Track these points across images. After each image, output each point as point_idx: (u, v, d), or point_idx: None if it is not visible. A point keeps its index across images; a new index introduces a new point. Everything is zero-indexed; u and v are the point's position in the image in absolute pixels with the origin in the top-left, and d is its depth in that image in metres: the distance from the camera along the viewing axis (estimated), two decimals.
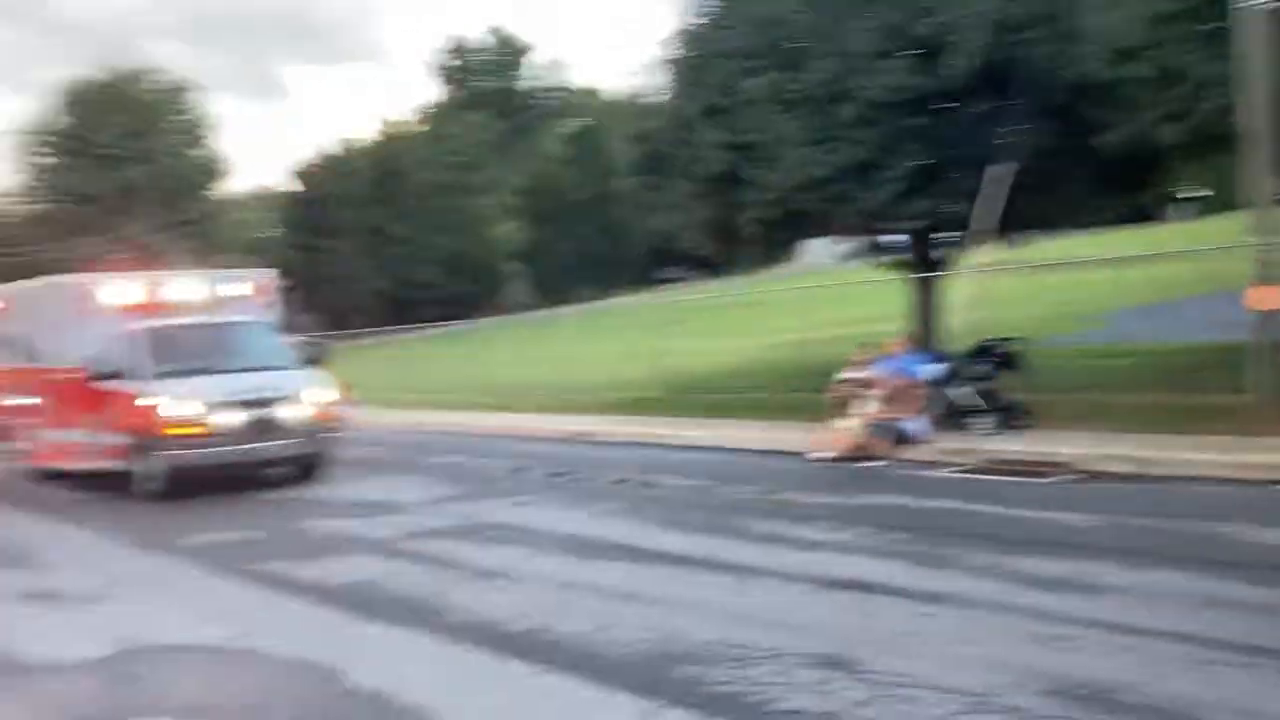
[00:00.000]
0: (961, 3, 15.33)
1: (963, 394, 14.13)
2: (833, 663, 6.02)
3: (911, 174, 15.88)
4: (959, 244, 19.24)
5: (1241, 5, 11.66)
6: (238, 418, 13.17)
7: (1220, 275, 13.76)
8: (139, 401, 13.34)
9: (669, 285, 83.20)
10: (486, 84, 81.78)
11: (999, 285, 19.93)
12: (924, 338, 17.58)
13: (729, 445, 15.36)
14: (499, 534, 10.29)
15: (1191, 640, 6.08)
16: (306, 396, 13.77)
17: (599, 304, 65.02)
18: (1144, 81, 13.13)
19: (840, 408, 14.27)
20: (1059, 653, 6.01)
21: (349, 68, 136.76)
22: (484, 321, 55.10)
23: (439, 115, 78.92)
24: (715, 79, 17.83)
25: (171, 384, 13.24)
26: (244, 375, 13.69)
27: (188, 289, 15.45)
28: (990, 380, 14.33)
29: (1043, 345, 19.81)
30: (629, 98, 29.87)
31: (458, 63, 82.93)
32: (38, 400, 15.79)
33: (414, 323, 50.06)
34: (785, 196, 17.04)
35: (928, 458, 13.12)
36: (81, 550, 11.01)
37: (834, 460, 13.44)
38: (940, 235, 19.29)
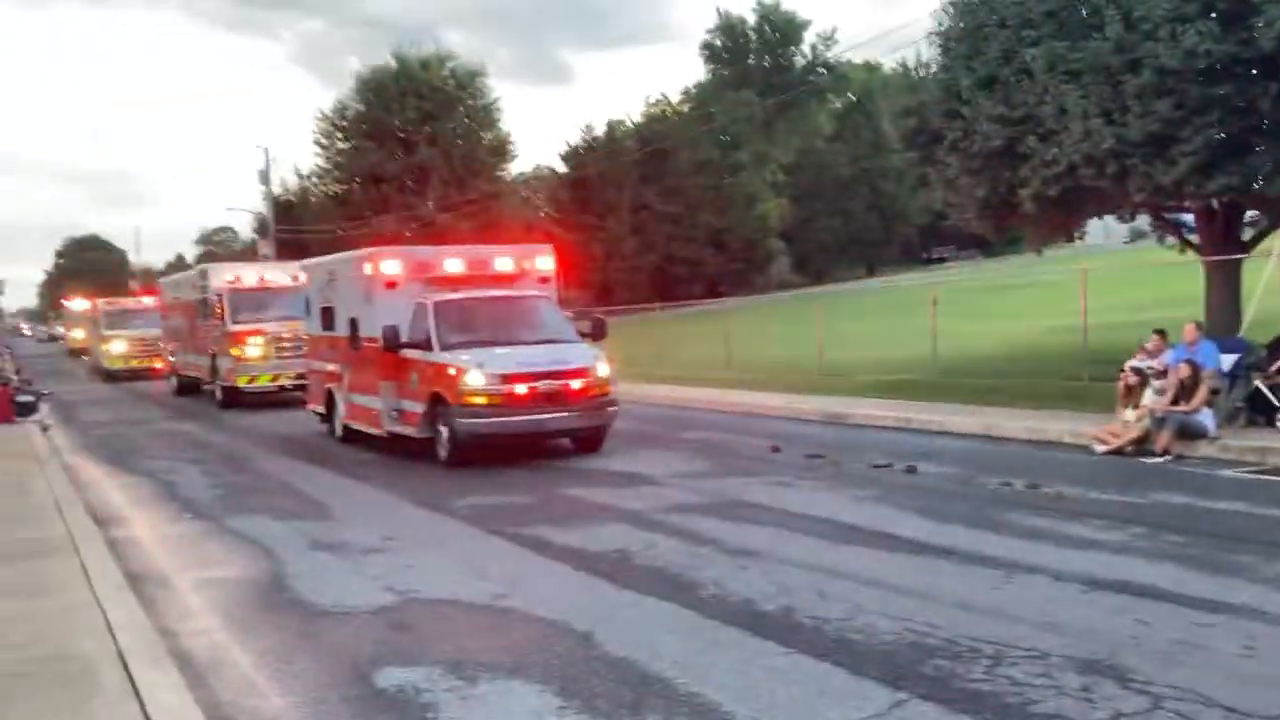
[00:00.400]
0: None
1: (1261, 387, 12.92)
2: (1100, 669, 5.70)
3: (1212, 147, 14.65)
4: (1265, 223, 17.62)
5: None
6: (530, 388, 13.70)
7: None
8: (438, 370, 14.12)
9: (939, 265, 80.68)
10: (756, 62, 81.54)
11: None
12: (1220, 326, 16.20)
13: (998, 433, 14.74)
14: (753, 513, 10.34)
15: None
16: (590, 370, 14.24)
17: (864, 283, 63.89)
18: None
19: (1124, 397, 13.40)
20: None
21: (630, 51, 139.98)
22: (747, 298, 55.35)
23: (705, 94, 79.52)
24: (991, 49, 17.08)
25: (468, 354, 13.93)
26: (534, 348, 14.28)
27: (479, 263, 16.17)
28: None
29: None
30: (900, 71, 29.08)
31: (727, 42, 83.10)
32: (340, 366, 17.08)
33: (678, 299, 51.02)
34: (1068, 172, 16.13)
35: (1218, 455, 12.11)
36: (367, 505, 11.93)
37: (1113, 453, 12.66)
38: (1244, 214, 17.75)
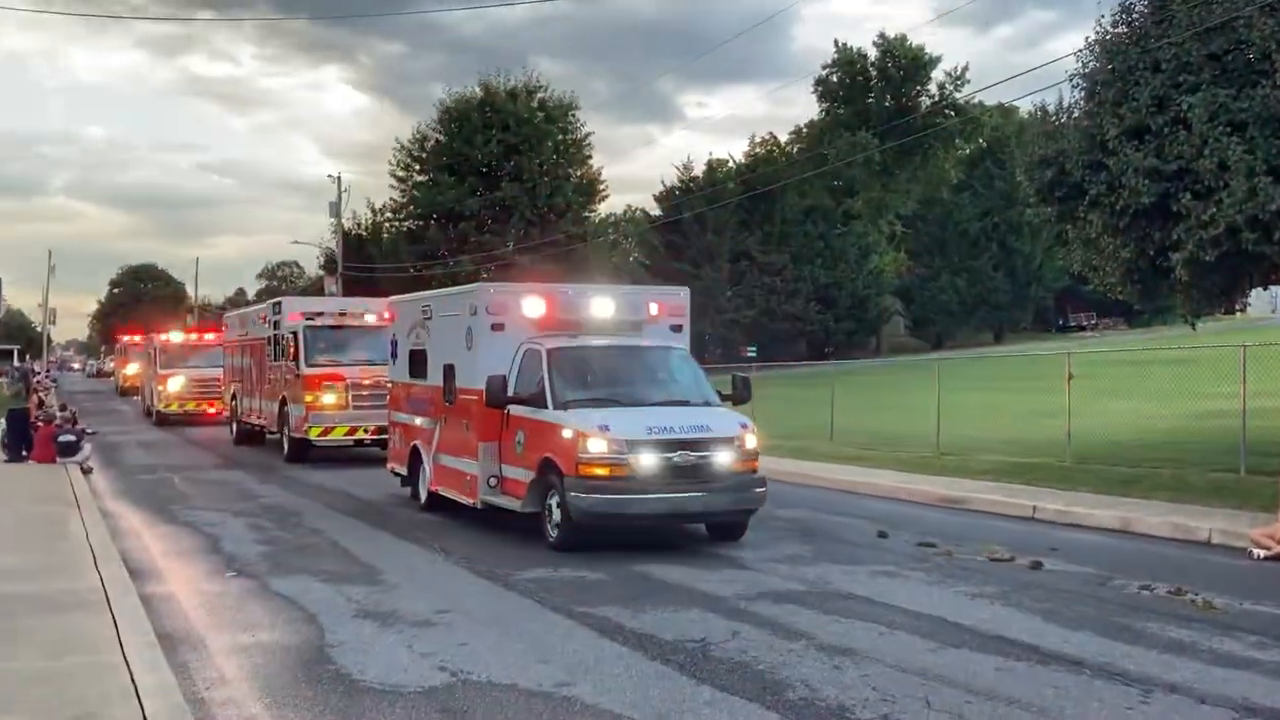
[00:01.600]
0: None
1: None
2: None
3: None
4: None
5: None
6: (664, 460, 12.49)
7: None
8: (551, 431, 12.95)
9: (1076, 334, 79.21)
10: (876, 101, 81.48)
11: None
12: None
13: (1138, 529, 14.29)
14: (852, 606, 10.14)
15: None
16: (738, 441, 13.01)
17: (990, 350, 63.00)
18: None
19: None
20: None
21: (737, 87, 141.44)
22: (856, 361, 54.90)
23: (818, 134, 79.63)
24: (1143, 95, 16.83)
25: (586, 414, 12.78)
26: (668, 410, 13.25)
27: (599, 306, 14.98)
28: None
29: None
30: (1038, 116, 28.78)
31: (844, 78, 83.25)
32: (429, 420, 16.18)
33: (779, 359, 50.80)
34: (1229, 234, 15.74)
35: None
36: (422, 572, 11.98)
37: (1273, 559, 12.17)
38: None
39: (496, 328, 14.50)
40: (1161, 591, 10.66)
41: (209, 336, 40.50)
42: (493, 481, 14.23)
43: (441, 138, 64.33)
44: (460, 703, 7.26)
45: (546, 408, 13.15)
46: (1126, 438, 22.16)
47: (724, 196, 67.36)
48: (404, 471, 17.47)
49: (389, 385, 19.05)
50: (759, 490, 13.26)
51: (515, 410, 13.68)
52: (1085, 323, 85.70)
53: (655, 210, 74.78)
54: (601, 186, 68.04)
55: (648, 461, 12.44)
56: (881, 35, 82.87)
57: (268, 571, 11.94)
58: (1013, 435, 23.00)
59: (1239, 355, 18.45)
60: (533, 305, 14.67)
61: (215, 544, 13.86)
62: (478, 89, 65.22)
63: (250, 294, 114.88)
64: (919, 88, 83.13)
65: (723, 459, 12.81)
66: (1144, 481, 16.94)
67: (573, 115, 66.36)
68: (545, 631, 9.25)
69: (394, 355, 18.33)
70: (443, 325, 16.00)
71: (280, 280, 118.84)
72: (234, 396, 31.13)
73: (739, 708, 7.16)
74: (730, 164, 74.88)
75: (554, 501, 12.84)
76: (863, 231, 74.04)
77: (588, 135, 67.27)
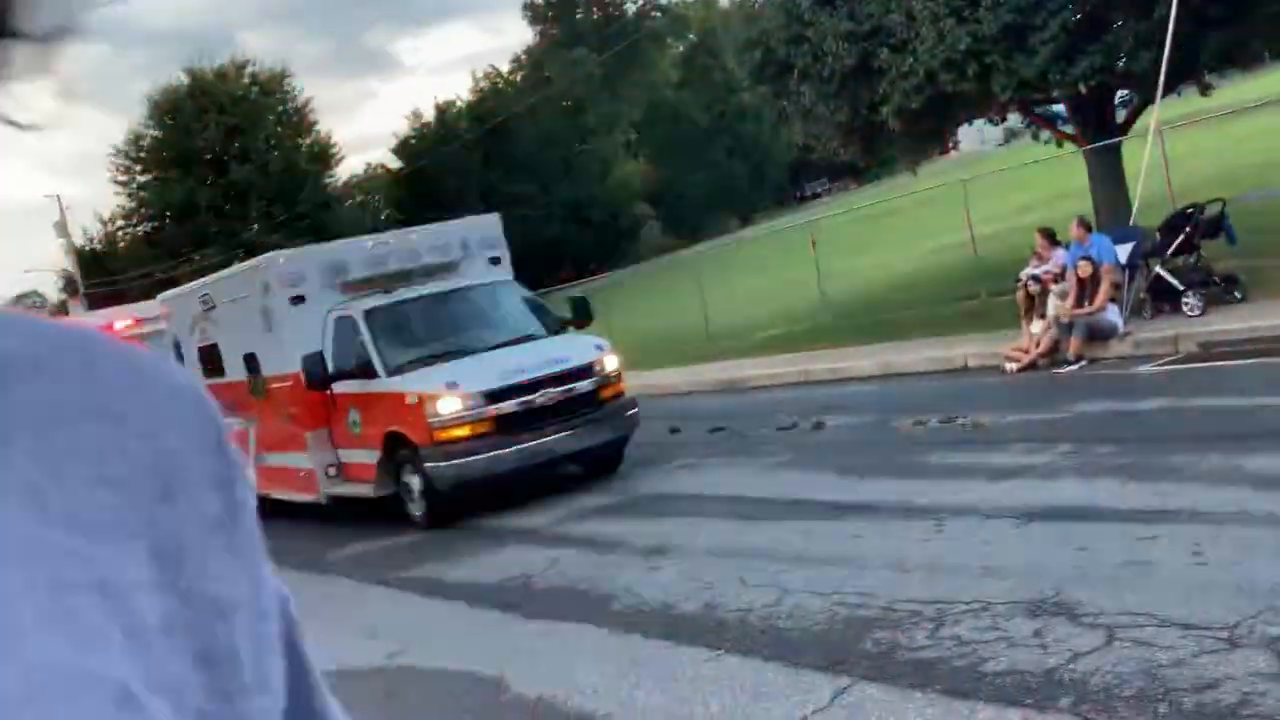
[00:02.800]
0: None
1: (1161, 273, 13.31)
2: (1049, 608, 5.69)
3: (1070, 30, 14.98)
4: (1136, 101, 18.17)
5: None
6: (524, 404, 11.11)
7: None
8: (391, 403, 11.42)
9: (813, 202, 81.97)
10: (585, 16, 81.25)
11: (1192, 141, 18.76)
12: (1110, 216, 16.66)
13: (902, 370, 14.90)
14: (658, 505, 10.21)
15: None
16: (599, 365, 11.78)
17: (739, 235, 64.51)
18: None
19: (1027, 309, 13.64)
20: None
21: (447, 27, 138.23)
22: (620, 271, 55.35)
23: (537, 58, 79.04)
24: None
25: (427, 374, 11.32)
26: (514, 350, 11.78)
27: (404, 253, 13.23)
28: (1192, 252, 13.46)
29: (1249, 202, 18.60)
30: (739, 2, 29.18)
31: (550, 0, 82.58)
32: (240, 421, 13.95)
33: (546, 285, 50.57)
34: (928, 80, 16.36)
35: (1132, 352, 12.42)
36: None
37: (1025, 369, 12.89)
38: (1114, 95, 18.27)
39: (296, 300, 12.55)
40: (934, 423, 11.13)
41: None
42: (331, 471, 12.60)
43: (157, 134, 60.77)
44: None
45: (377, 376, 11.57)
46: (876, 288, 23.05)
47: (460, 137, 66.23)
48: None
49: None
50: (631, 413, 12.02)
51: (342, 388, 11.95)
52: (820, 190, 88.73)
53: (396, 163, 72.96)
54: (334, 150, 65.83)
55: (509, 410, 11.00)
56: None
57: None
58: (775, 310, 23.61)
59: (960, 191, 19.36)
60: (331, 266, 12.80)
61: None
62: (184, 77, 61.74)
63: None
64: None
65: (587, 388, 11.55)
66: (898, 324, 17.66)
67: (288, 84, 63.71)
68: (368, 606, 8.97)
69: (180, 358, 15.53)
70: (231, 312, 14.00)
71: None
72: None
73: (570, 632, 7.08)
74: (459, 104, 73.57)
75: (413, 479, 11.39)
76: (601, 146, 74.19)
77: (308, 101, 64.81)
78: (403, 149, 71.90)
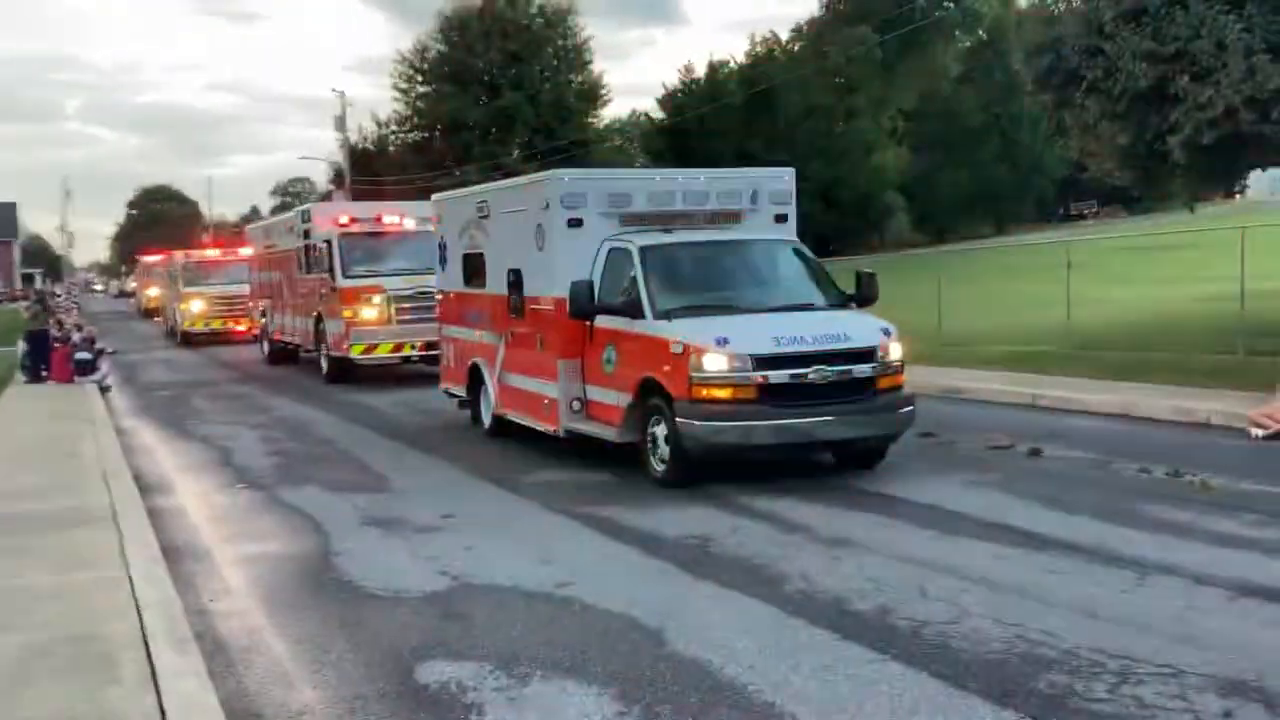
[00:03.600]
0: None
1: None
2: (1245, 691, 5.31)
3: None
4: None
5: None
6: (796, 377, 10.17)
7: None
8: (653, 347, 10.65)
9: (1077, 222, 78.40)
10: None
11: None
12: None
13: (1139, 413, 14.09)
14: (850, 498, 10.02)
15: None
16: (883, 350, 10.65)
17: (992, 241, 62.46)
18: None
19: None
20: None
21: None
22: (860, 258, 54.55)
23: (818, 31, 78.08)
24: None
25: (697, 324, 10.51)
26: (792, 316, 10.90)
27: (692, 194, 12.51)
28: None
29: None
30: (1037, 4, 28.02)
31: None
32: (492, 335, 13.81)
33: None
34: (1227, 116, 15.31)
35: None
36: (430, 479, 11.89)
37: (1272, 438, 12.01)
38: None
39: (574, 224, 11.92)
40: (1160, 474, 10.52)
41: (243, 251, 36.14)
42: (576, 405, 11.92)
43: (442, 48, 63.30)
44: (461, 605, 7.18)
45: (644, 318, 10.84)
46: (1127, 323, 21.89)
47: (726, 98, 66.26)
48: (461, 393, 15.11)
49: (438, 296, 16.35)
50: (906, 411, 10.84)
51: (603, 322, 11.35)
52: (1086, 211, 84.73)
53: (659, 114, 73.73)
54: (604, 91, 67.13)
55: (777, 380, 10.12)
56: None
57: (277, 483, 11.87)
58: (1014, 325, 22.75)
59: (1238, 237, 18.09)
60: (615, 195, 12.17)
61: (228, 456, 13.80)
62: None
63: (264, 210, 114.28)
64: None
65: (865, 373, 10.45)
66: (1144, 366, 16.71)
67: (572, 20, 65.21)
68: (549, 534, 9.17)
69: (443, 261, 15.64)
70: (505, 224, 13.38)
71: (292, 196, 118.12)
72: (264, 314, 28.72)
73: (738, 602, 7.07)
74: (732, 65, 73.55)
75: (660, 430, 10.61)
76: (865, 128, 72.87)
77: (588, 40, 66.20)
78: (668, 101, 72.50)
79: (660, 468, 10.69)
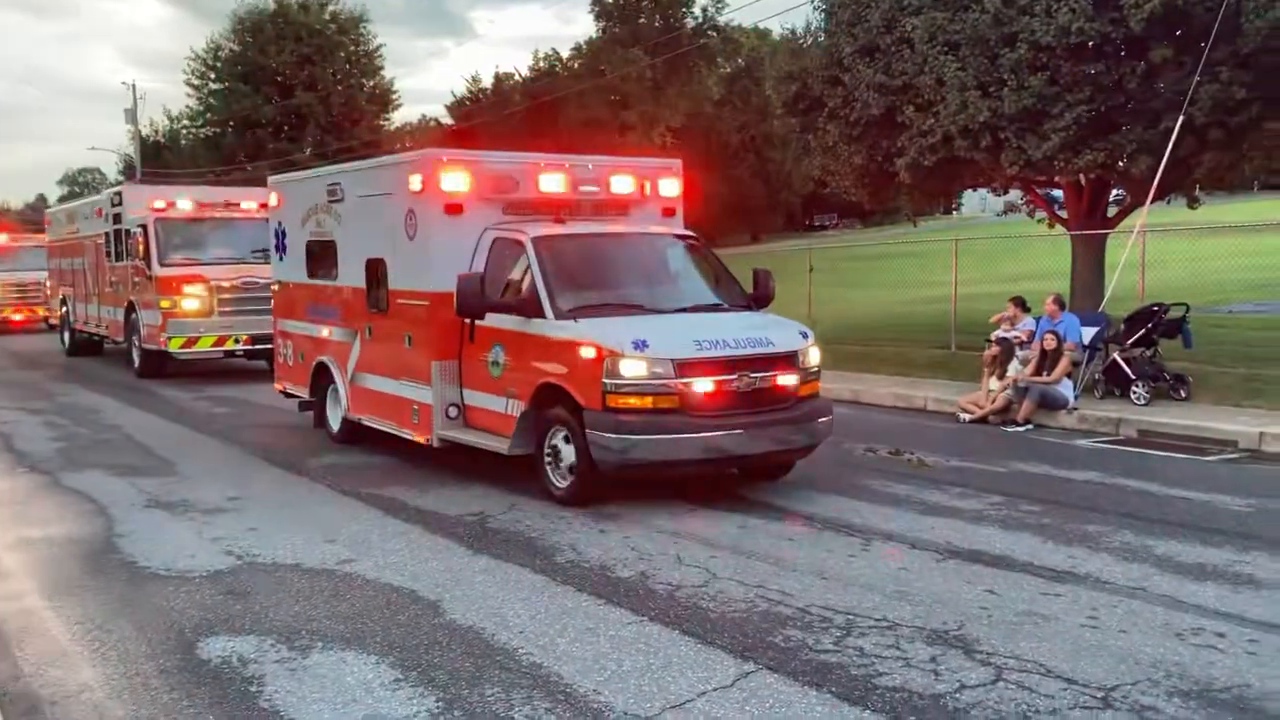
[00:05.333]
0: None
1: (1118, 360, 13.30)
2: (948, 639, 5.68)
3: (1081, 124, 14.93)
4: (1128, 201, 18.14)
5: None
6: (720, 385, 8.66)
7: None
8: (558, 350, 8.94)
9: (819, 233, 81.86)
10: (648, 21, 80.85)
11: (1172, 247, 18.72)
12: (1084, 299, 16.64)
13: (866, 399, 14.89)
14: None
15: None
16: (801, 356, 9.25)
17: (748, 248, 64.37)
18: None
19: (989, 367, 13.65)
20: (1197, 649, 5.52)
21: (524, 5, 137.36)
22: None
23: (595, 51, 78.71)
24: (873, 17, 17.11)
25: (608, 326, 8.84)
26: (707, 318, 9.48)
27: (588, 180, 10.77)
28: (1149, 347, 13.46)
29: (1212, 314, 18.61)
30: (789, 37, 29.06)
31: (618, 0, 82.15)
32: (345, 331, 11.81)
33: None
34: (944, 142, 16.30)
35: (1076, 426, 12.42)
36: (217, 463, 11.34)
37: (977, 422, 12.89)
38: (1110, 191, 18.23)
39: (452, 209, 10.10)
40: (883, 453, 11.13)
41: (42, 237, 30.75)
42: (452, 412, 10.15)
43: (235, 48, 60.46)
44: (244, 584, 6.89)
45: (544, 317, 9.11)
46: (859, 321, 23.01)
47: (511, 107, 65.95)
48: (303, 394, 12.86)
49: (274, 287, 13.95)
50: (826, 420, 9.42)
51: (491, 320, 9.58)
52: (827, 223, 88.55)
53: (448, 120, 72.64)
54: (394, 96, 65.66)
55: (701, 388, 8.59)
56: None
57: (60, 467, 11.08)
58: None
59: (952, 248, 19.32)
60: (499, 179, 10.33)
61: (8, 442, 12.78)
62: (271, 1, 61.42)
63: (51, 200, 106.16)
64: (685, 10, 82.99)
65: (788, 381, 9.06)
66: (873, 358, 17.62)
67: (364, 28, 63.46)
68: (333, 513, 8.90)
69: (280, 249, 13.43)
70: (364, 209, 11.36)
71: (82, 186, 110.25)
72: (64, 302, 25.28)
73: (512, 573, 7.06)
74: (517, 77, 73.31)
75: (562, 442, 9.00)
76: (638, 143, 73.88)
77: (379, 47, 64.62)
78: (457, 108, 71.63)
79: (562, 484, 9.01)
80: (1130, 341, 13.41)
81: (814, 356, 9.43)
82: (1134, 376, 13.04)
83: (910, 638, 5.72)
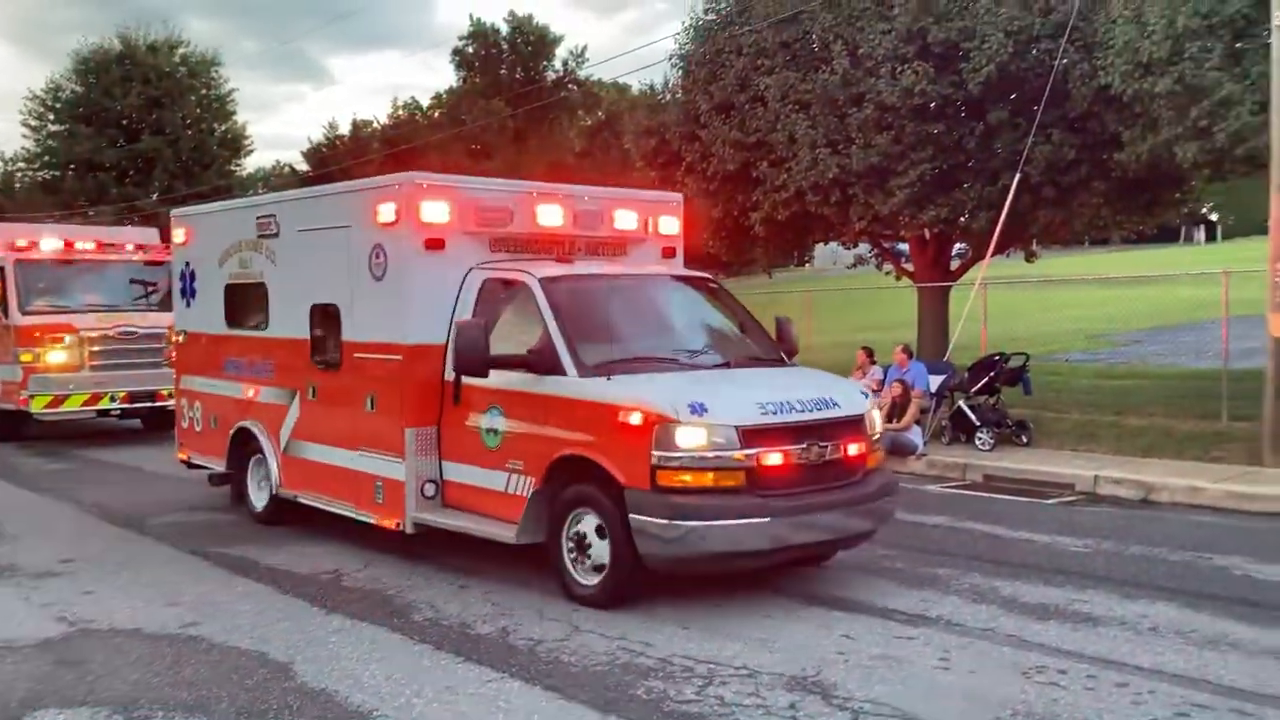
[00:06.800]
0: (981, 10, 15.04)
1: (963, 407, 13.83)
2: (806, 685, 5.75)
3: (925, 181, 15.60)
4: (970, 255, 18.97)
5: (1274, 23, 11.33)
6: (793, 458, 7.19)
7: (1249, 299, 13.43)
8: (585, 415, 7.35)
9: None
10: (509, 74, 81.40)
11: (1012, 299, 19.66)
12: (929, 349, 17.28)
13: None
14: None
15: (1181, 681, 5.79)
16: (867, 421, 7.80)
17: None
18: (1165, 97, 12.79)
19: None
20: (1041, 686, 5.72)
21: (383, 53, 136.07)
22: None
23: (456, 100, 78.75)
24: (728, 76, 17.58)
25: (643, 384, 7.33)
26: (759, 375, 8.12)
27: (588, 216, 9.28)
28: (993, 395, 14.04)
29: (1049, 362, 19.54)
30: (648, 93, 29.54)
31: (479, 50, 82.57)
32: (278, 391, 10.02)
33: None
34: (796, 198, 16.80)
35: (925, 471, 12.83)
36: (50, 522, 10.72)
37: None
38: (953, 245, 19.04)
39: (432, 245, 8.49)
40: None
41: None
42: (429, 490, 8.49)
43: (78, 88, 58.16)
44: (78, 652, 6.49)
45: (563, 374, 7.54)
46: None
47: (369, 155, 65.19)
48: (216, 465, 10.99)
49: (176, 338, 12.14)
50: (893, 500, 8.05)
51: (488, 379, 7.87)
52: None
53: (304, 166, 71.32)
54: (247, 141, 63.97)
55: (769, 461, 7.08)
56: (511, 13, 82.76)
57: None
58: None
59: (805, 300, 19.87)
60: (487, 210, 8.77)
61: None
62: (116, 42, 59.40)
63: None
64: (545, 63, 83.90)
65: (857, 450, 7.63)
66: None
67: (216, 71, 61.88)
68: (177, 574, 8.49)
69: (188, 294, 11.63)
70: (307, 245, 9.66)
71: None
72: None
73: (367, 632, 6.85)
74: (375, 125, 72.64)
75: (590, 529, 7.35)
76: None
77: (231, 91, 62.98)
78: (313, 154, 70.50)
79: (587, 582, 7.37)
80: (974, 389, 13.98)
81: (877, 422, 7.99)
82: (979, 423, 13.58)
83: (770, 685, 5.76)
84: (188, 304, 11.70)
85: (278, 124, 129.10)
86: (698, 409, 6.93)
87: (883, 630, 6.74)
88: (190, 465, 11.67)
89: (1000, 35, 14.63)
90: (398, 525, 8.55)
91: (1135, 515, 10.41)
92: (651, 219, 9.70)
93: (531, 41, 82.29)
